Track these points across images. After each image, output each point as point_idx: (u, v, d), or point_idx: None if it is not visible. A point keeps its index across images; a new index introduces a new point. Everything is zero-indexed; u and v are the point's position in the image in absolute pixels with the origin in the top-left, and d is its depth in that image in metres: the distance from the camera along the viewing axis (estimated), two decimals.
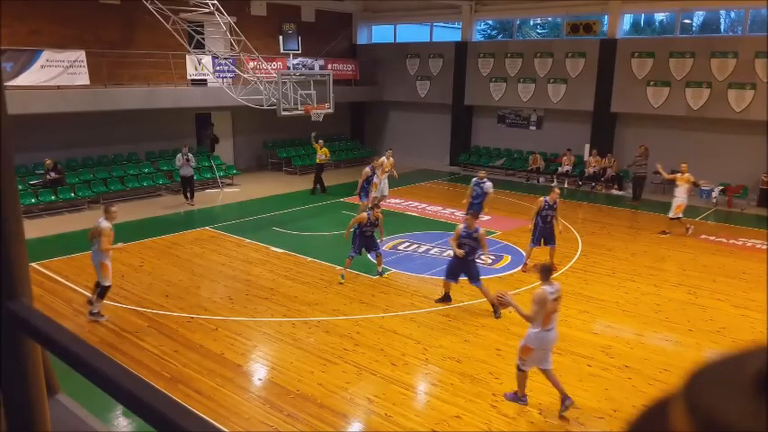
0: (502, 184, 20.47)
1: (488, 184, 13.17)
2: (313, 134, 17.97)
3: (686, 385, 0.39)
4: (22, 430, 1.12)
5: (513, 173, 21.90)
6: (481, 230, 9.25)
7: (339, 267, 11.07)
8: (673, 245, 13.40)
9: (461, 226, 9.35)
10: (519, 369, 6.72)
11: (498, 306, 8.80)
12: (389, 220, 14.91)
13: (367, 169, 14.43)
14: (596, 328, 8.98)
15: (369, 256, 11.02)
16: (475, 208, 12.88)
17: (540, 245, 11.30)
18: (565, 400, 6.52)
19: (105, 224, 8.64)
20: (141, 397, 0.80)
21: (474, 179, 13.41)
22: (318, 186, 18.22)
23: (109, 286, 8.88)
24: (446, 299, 9.70)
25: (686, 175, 13.85)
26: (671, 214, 14.00)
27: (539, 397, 6.91)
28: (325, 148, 17.89)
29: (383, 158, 15.65)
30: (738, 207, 17.22)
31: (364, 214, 10.69)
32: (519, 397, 6.81)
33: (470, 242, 9.13)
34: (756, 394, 0.37)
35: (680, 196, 13.85)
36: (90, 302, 9.08)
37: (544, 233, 11.23)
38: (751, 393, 0.37)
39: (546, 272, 6.68)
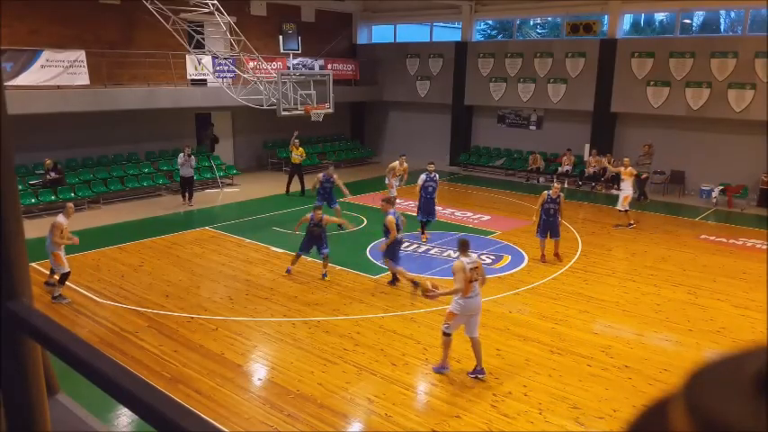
0: (502, 184, 20.52)
1: (437, 176, 13.46)
2: (295, 133, 17.86)
3: (686, 385, 0.39)
4: (22, 430, 1.12)
5: (513, 173, 21.90)
6: (389, 217, 10.19)
7: (339, 267, 11.10)
8: (673, 245, 13.40)
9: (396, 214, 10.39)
10: (444, 333, 7.33)
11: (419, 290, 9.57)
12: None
13: (319, 175, 14.09)
14: (596, 328, 8.98)
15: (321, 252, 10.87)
16: (432, 203, 13.20)
17: (546, 237, 11.86)
18: (479, 371, 7.30)
19: (60, 218, 9.57)
20: (141, 397, 0.80)
21: (424, 175, 13.23)
22: (300, 188, 17.85)
23: (68, 272, 9.56)
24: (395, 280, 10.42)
25: (629, 168, 14.73)
26: (620, 207, 14.60)
27: (539, 397, 6.91)
28: (301, 148, 17.81)
29: (396, 163, 15.29)
30: (738, 207, 17.22)
31: (308, 215, 10.81)
32: (443, 366, 7.41)
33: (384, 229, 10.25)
34: (756, 394, 0.37)
35: (626, 189, 14.63)
36: (47, 284, 9.85)
37: (548, 226, 11.80)
38: (751, 393, 0.37)
39: (463, 246, 7.36)
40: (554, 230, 11.84)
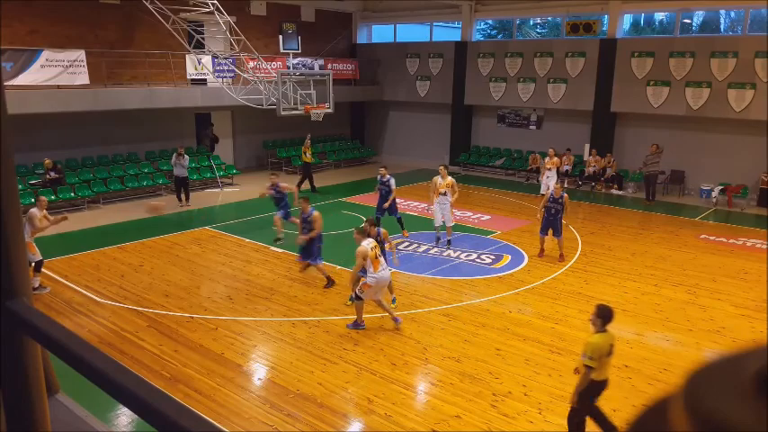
0: (502, 184, 20.52)
1: (393, 181, 13.19)
2: (309, 135, 18.16)
3: (686, 385, 0.39)
4: (22, 430, 1.12)
5: (513, 173, 21.90)
6: (315, 213, 10.36)
7: (339, 267, 11.07)
8: (673, 245, 13.40)
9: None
10: (357, 297, 8.45)
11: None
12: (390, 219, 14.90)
13: (267, 185, 12.91)
14: None
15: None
16: (383, 205, 13.14)
17: (547, 234, 12.00)
18: (395, 320, 8.63)
19: (33, 210, 9.93)
20: (141, 397, 0.80)
21: (379, 177, 13.29)
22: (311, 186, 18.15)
23: (41, 260, 9.91)
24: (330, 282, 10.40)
25: (555, 159, 16.91)
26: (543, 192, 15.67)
27: (538, 396, 6.92)
28: (310, 149, 18.18)
29: (437, 177, 12.46)
30: (738, 207, 17.22)
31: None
32: (358, 323, 8.59)
33: (308, 225, 10.36)
34: (756, 394, 0.37)
35: (553, 177, 16.21)
36: (34, 289, 9.89)
37: (550, 224, 11.95)
38: (751, 393, 0.37)
39: (363, 232, 8.72)
40: (556, 229, 11.91)
